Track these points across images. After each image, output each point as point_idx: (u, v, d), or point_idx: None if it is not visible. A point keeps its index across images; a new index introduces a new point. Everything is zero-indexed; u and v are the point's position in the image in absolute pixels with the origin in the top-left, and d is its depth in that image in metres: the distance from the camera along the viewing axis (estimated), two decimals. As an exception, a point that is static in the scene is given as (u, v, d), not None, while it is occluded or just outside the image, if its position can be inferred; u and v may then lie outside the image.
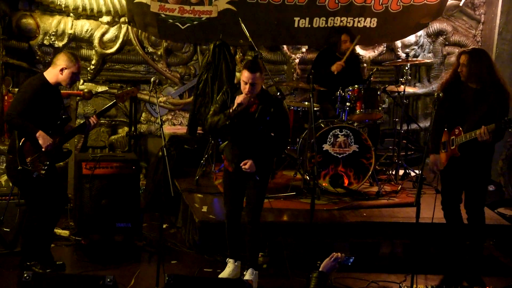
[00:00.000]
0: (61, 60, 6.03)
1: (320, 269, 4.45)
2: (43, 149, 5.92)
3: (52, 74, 6.06)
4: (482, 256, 6.57)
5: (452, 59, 9.59)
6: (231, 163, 6.10)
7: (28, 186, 6.10)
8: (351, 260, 4.57)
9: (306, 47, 9.27)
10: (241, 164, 5.98)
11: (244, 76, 5.86)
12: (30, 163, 5.93)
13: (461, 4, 9.47)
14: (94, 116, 6.27)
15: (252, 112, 5.98)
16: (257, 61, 6.19)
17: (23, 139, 5.92)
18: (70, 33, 8.61)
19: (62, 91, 8.33)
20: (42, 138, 5.90)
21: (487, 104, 6.16)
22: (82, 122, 6.35)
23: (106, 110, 6.59)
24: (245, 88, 5.88)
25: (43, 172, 5.97)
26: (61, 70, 6.02)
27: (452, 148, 6.30)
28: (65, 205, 6.52)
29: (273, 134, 6.02)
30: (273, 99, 6.09)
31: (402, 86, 8.40)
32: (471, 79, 6.25)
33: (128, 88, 7.06)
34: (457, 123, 6.31)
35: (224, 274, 6.21)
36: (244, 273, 6.16)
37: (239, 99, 5.88)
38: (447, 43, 9.62)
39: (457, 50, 9.58)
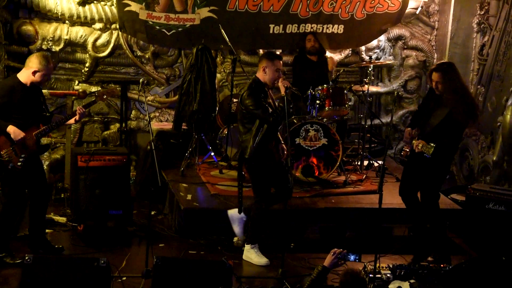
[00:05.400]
0: (33, 63, 5.93)
1: (324, 264, 4.45)
2: (15, 142, 5.84)
3: (25, 76, 5.96)
4: (445, 238, 6.59)
5: (410, 61, 9.64)
6: None
7: (5, 177, 6.00)
8: (352, 257, 4.53)
9: (280, 50, 9.24)
10: None
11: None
12: (6, 155, 5.84)
13: (417, 12, 9.50)
14: (81, 107, 6.21)
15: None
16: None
17: None
18: (66, 39, 8.51)
19: (59, 91, 8.36)
20: (13, 132, 5.83)
21: (447, 117, 6.04)
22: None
23: (92, 104, 6.52)
24: None
25: (20, 164, 5.90)
26: (34, 72, 5.92)
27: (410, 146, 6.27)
28: (50, 193, 6.42)
29: None
30: None
31: (366, 86, 8.42)
32: (448, 92, 6.09)
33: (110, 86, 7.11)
34: (422, 126, 6.25)
35: None
36: None
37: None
38: (405, 47, 9.63)
39: (415, 53, 9.62)
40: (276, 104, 6.36)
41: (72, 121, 6.25)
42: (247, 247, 6.36)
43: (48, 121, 6.15)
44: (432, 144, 5.95)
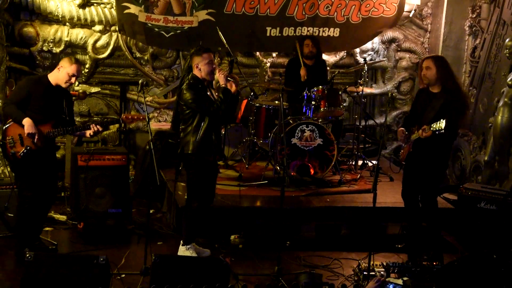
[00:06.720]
0: (62, 62, 6.11)
1: None
2: (25, 134, 5.87)
3: (53, 75, 6.09)
4: (440, 238, 6.60)
5: (404, 63, 9.65)
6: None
7: (18, 168, 6.03)
8: (392, 286, 4.49)
9: (277, 52, 9.25)
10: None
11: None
12: (10, 141, 5.90)
13: (411, 15, 9.52)
14: (96, 125, 6.11)
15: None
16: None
17: (11, 121, 5.96)
18: (66, 40, 8.51)
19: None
20: (27, 126, 5.86)
21: (442, 106, 6.03)
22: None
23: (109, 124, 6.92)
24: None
25: (21, 154, 5.90)
26: (59, 68, 6.04)
27: (409, 144, 6.25)
28: (55, 194, 6.42)
29: None
30: None
31: (360, 87, 8.42)
32: (435, 82, 6.11)
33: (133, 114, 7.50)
34: (418, 122, 6.24)
35: None
36: None
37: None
38: (399, 49, 9.65)
39: (408, 56, 9.64)
40: (215, 96, 6.13)
41: (87, 133, 6.14)
42: (182, 248, 6.13)
43: (65, 125, 6.09)
44: (442, 120, 5.85)
